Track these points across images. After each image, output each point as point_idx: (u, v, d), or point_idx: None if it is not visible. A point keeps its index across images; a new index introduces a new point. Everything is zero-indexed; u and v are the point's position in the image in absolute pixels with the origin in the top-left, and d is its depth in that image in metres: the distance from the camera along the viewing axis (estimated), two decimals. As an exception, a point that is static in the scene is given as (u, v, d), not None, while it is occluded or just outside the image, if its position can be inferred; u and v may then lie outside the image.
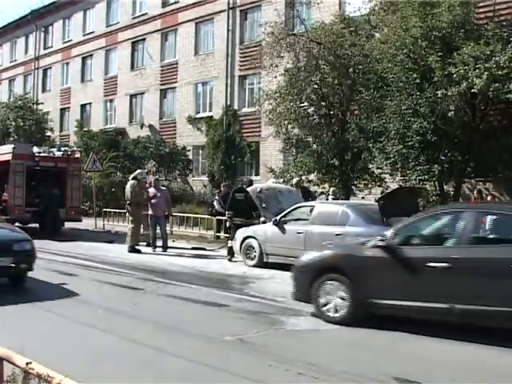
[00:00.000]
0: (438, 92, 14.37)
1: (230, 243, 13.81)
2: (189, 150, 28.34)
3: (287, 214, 12.38)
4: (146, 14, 31.91)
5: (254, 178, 23.59)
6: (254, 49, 22.56)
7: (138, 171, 16.36)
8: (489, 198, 14.25)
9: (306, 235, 11.58)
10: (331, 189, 16.40)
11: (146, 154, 27.91)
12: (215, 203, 17.55)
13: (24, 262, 9.11)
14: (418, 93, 14.86)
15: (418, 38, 14.83)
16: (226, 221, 15.10)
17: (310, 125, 18.65)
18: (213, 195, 21.01)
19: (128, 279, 10.64)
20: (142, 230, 15.47)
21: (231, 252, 13.59)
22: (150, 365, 5.53)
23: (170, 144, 28.45)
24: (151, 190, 15.19)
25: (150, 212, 14.97)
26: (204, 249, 15.66)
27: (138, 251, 14.67)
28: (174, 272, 11.58)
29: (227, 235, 14.94)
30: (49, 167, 18.47)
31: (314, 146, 18.55)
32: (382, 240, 7.10)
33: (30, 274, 9.38)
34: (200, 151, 28.38)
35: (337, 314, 7.32)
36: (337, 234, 11.01)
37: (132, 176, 15.81)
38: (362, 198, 18.58)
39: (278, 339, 6.67)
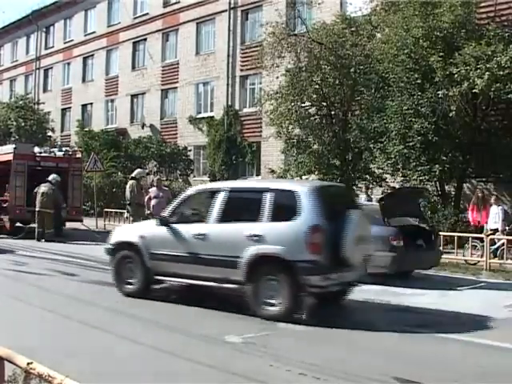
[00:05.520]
0: (439, 92, 14.38)
1: None
2: (190, 150, 28.34)
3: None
4: (147, 14, 31.91)
5: (255, 178, 23.59)
6: (255, 49, 22.54)
7: (137, 171, 16.28)
8: (492, 198, 14.18)
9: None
10: None
11: (147, 154, 27.91)
12: None
13: None
14: (419, 93, 14.86)
15: (420, 38, 14.84)
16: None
17: (311, 125, 18.65)
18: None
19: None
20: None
21: None
22: (150, 364, 5.52)
23: (171, 144, 28.45)
24: (153, 190, 15.14)
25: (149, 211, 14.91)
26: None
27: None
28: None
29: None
30: (50, 167, 18.43)
31: (315, 146, 18.54)
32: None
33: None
34: (201, 151, 28.38)
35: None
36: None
37: (131, 176, 15.76)
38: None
39: (278, 339, 6.66)
